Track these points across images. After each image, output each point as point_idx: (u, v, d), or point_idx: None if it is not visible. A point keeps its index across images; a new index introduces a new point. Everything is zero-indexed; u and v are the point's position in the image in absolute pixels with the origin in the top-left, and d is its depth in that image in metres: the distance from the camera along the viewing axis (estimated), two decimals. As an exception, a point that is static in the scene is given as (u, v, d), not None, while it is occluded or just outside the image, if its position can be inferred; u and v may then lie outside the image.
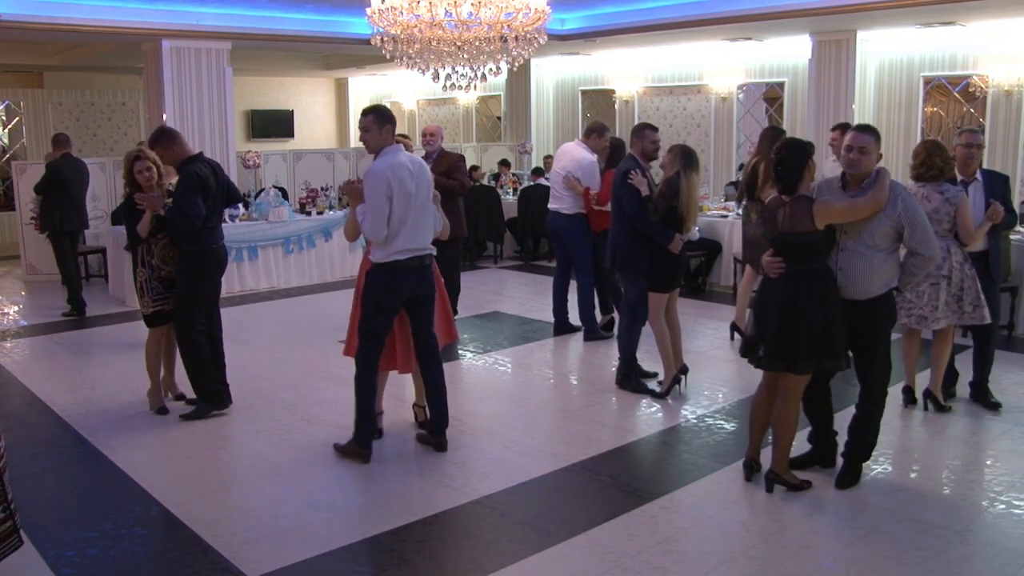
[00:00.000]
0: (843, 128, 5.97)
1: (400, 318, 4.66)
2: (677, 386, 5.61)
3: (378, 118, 4.43)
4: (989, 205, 5.08)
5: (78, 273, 8.62)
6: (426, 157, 7.24)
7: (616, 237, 5.63)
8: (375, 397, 4.67)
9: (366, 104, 19.63)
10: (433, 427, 4.74)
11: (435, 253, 4.67)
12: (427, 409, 4.85)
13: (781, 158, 3.95)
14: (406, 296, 4.51)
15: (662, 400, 5.51)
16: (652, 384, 5.75)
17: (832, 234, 3.96)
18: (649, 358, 6.03)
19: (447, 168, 7.11)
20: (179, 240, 5.15)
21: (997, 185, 5.21)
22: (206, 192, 5.07)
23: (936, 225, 4.86)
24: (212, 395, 5.28)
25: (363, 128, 4.45)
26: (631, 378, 5.73)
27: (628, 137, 5.89)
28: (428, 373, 4.70)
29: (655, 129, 5.70)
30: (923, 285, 4.97)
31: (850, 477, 4.23)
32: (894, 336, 4.32)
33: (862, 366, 4.14)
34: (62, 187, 8.32)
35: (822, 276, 3.94)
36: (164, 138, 5.20)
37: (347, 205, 4.67)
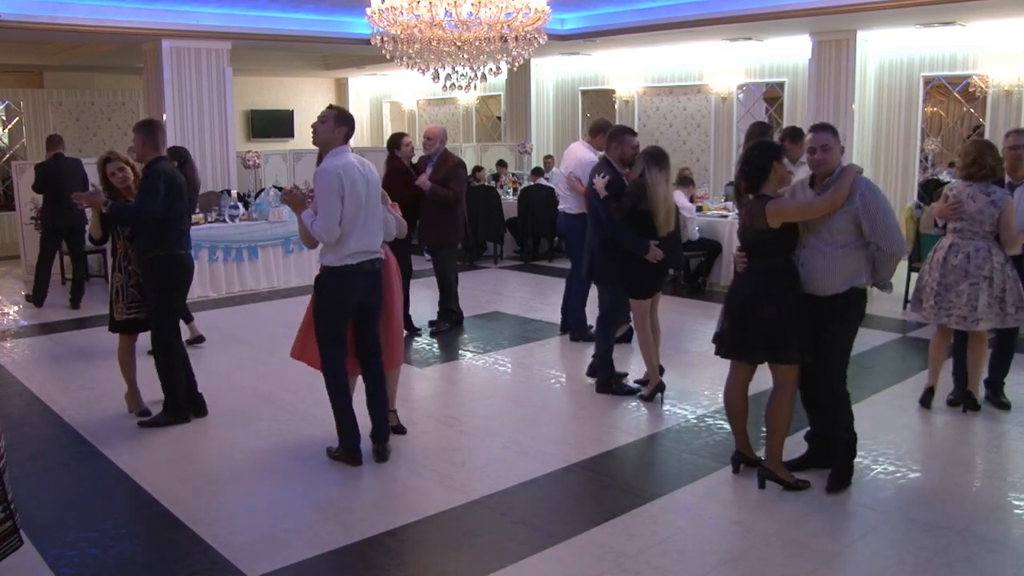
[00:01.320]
0: (792, 134, 5.95)
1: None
2: (660, 394, 5.53)
3: (337, 117, 4.40)
4: None
5: (49, 268, 8.71)
6: (426, 159, 7.23)
7: (590, 245, 5.59)
8: (350, 399, 4.55)
9: (366, 104, 19.74)
10: (375, 435, 4.59)
11: (383, 258, 4.55)
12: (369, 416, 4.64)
13: (747, 158, 4.13)
14: (359, 299, 4.41)
15: (648, 402, 5.45)
16: (630, 382, 5.72)
17: (794, 231, 4.00)
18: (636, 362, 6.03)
19: (444, 176, 6.99)
20: (141, 245, 5.00)
21: None
22: (173, 193, 4.98)
23: (978, 226, 4.86)
24: (179, 409, 5.15)
25: (320, 119, 4.40)
26: (610, 384, 5.65)
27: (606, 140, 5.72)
28: (369, 380, 4.58)
29: (634, 134, 5.61)
30: (962, 284, 4.89)
31: (835, 480, 4.14)
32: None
33: (822, 360, 4.07)
34: (51, 187, 8.42)
35: (781, 271, 4.01)
36: (149, 127, 5.08)
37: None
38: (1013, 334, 5.29)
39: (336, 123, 4.39)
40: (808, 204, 3.97)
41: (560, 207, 7.05)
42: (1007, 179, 5.15)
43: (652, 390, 5.48)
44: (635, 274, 5.36)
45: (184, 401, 5.18)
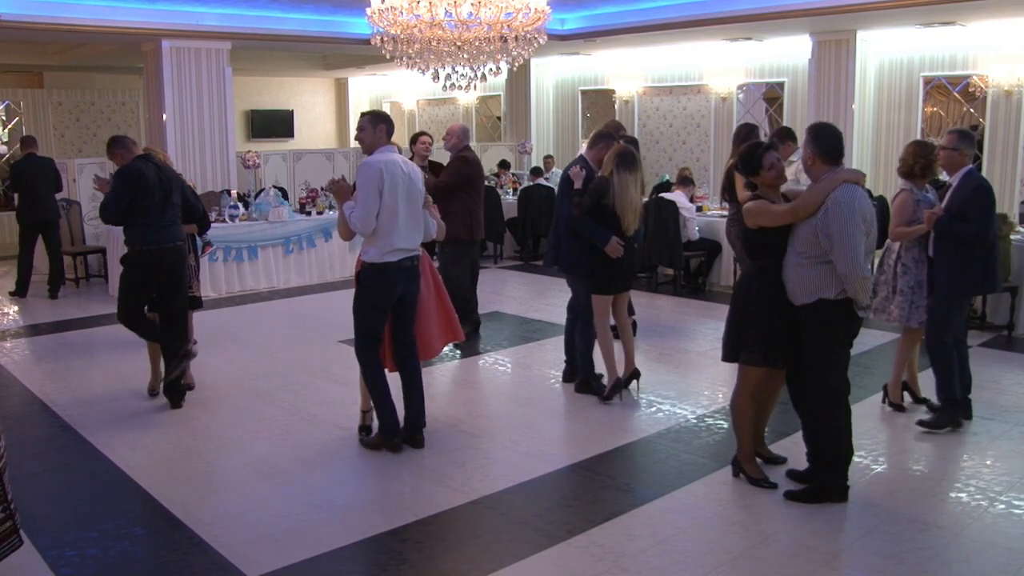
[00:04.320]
0: (782, 135, 5.99)
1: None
2: (627, 391, 5.51)
3: (373, 118, 4.64)
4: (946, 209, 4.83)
5: (30, 260, 9.12)
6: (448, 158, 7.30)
7: (558, 235, 5.60)
8: (388, 389, 4.69)
9: (366, 104, 19.76)
10: (409, 425, 4.78)
11: (420, 255, 4.72)
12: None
13: (740, 162, 4.20)
14: (398, 295, 4.58)
15: (609, 402, 5.44)
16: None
17: (776, 234, 3.97)
18: (642, 362, 6.03)
19: (444, 169, 7.09)
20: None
21: (958, 193, 4.84)
22: (140, 191, 5.16)
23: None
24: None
25: (359, 128, 4.64)
26: (590, 383, 5.64)
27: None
28: (405, 373, 4.77)
29: (609, 137, 5.60)
30: (913, 283, 4.96)
31: (799, 492, 4.06)
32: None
33: (804, 370, 4.04)
34: (25, 185, 8.89)
35: (770, 273, 4.01)
36: (114, 146, 5.43)
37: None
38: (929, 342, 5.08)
39: (373, 124, 4.59)
40: (770, 210, 3.95)
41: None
42: (947, 179, 5.05)
43: (611, 390, 5.46)
44: (599, 269, 5.35)
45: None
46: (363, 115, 4.69)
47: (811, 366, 3.97)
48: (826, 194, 3.81)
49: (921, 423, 4.99)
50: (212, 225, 8.87)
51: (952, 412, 4.95)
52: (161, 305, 5.44)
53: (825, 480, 4.05)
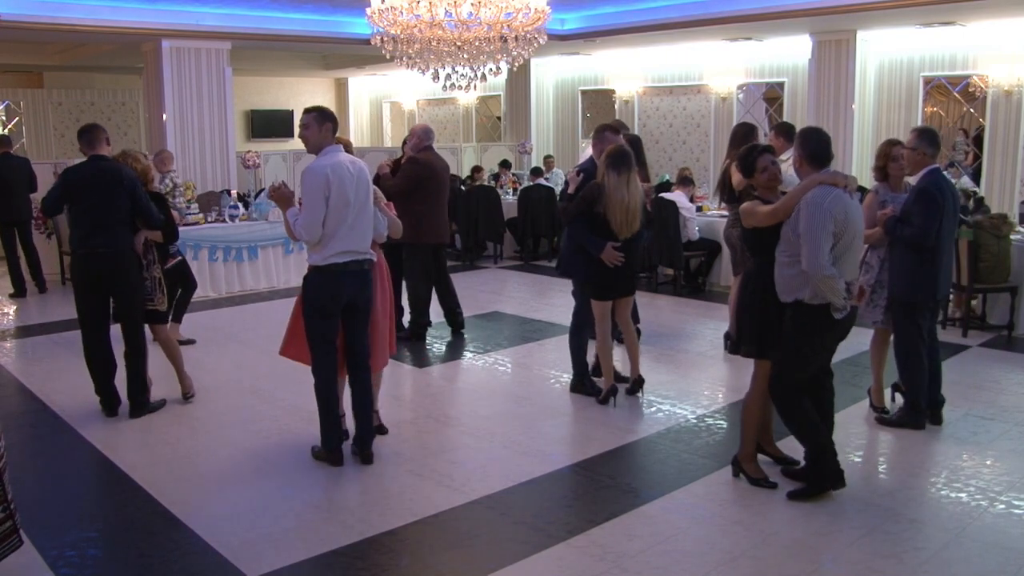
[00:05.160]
0: (780, 130, 6.03)
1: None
2: (634, 397, 5.51)
3: (319, 116, 4.35)
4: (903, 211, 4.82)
5: (15, 257, 9.27)
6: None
7: (564, 241, 5.61)
8: (336, 401, 4.55)
9: (366, 104, 19.72)
10: (358, 440, 4.58)
11: (374, 259, 4.51)
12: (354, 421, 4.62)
13: (738, 162, 4.31)
14: (346, 299, 4.37)
15: (605, 405, 5.41)
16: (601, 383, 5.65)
17: (770, 233, 4.00)
18: (644, 361, 6.03)
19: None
20: None
21: (910, 194, 4.84)
22: (72, 192, 5.17)
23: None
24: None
25: (303, 125, 4.36)
26: (584, 383, 5.63)
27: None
28: (355, 385, 4.55)
29: (617, 132, 5.57)
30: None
31: (803, 491, 4.08)
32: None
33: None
34: (1, 184, 9.04)
35: (766, 270, 4.05)
36: (79, 137, 5.37)
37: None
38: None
39: (319, 122, 4.34)
40: (757, 210, 4.02)
41: None
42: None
43: (606, 394, 5.44)
44: (595, 275, 5.31)
45: (99, 392, 5.37)
46: (307, 111, 4.40)
47: (779, 357, 4.02)
48: (802, 195, 3.87)
49: (879, 420, 5.06)
50: (212, 225, 9.04)
51: (912, 416, 4.96)
52: (116, 316, 5.31)
53: (817, 471, 4.06)
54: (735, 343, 4.33)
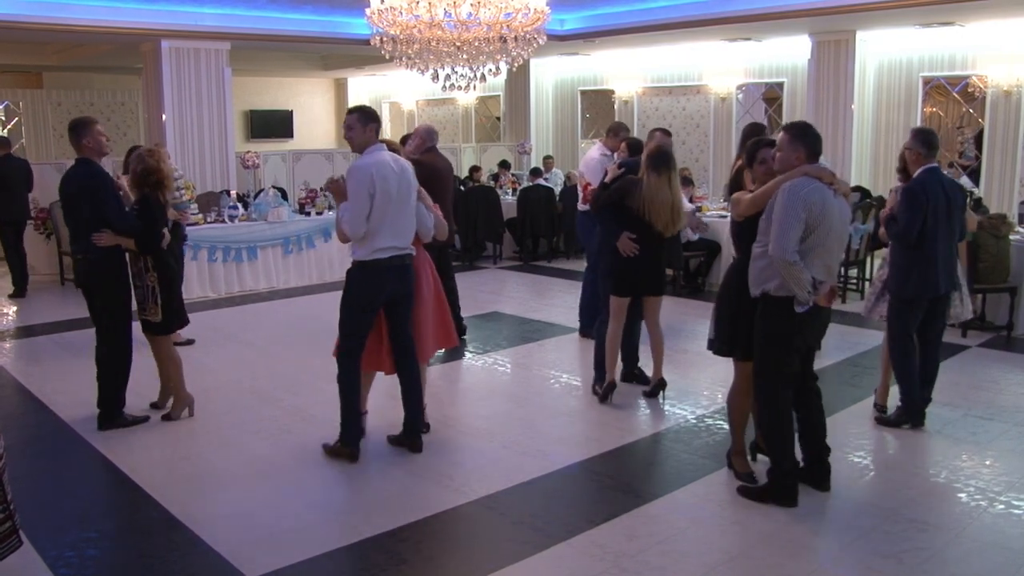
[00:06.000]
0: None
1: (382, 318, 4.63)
2: (655, 400, 5.52)
3: (362, 116, 4.44)
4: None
5: (17, 257, 9.31)
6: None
7: (599, 237, 5.66)
8: (359, 396, 4.65)
9: (365, 104, 19.68)
10: (408, 429, 4.71)
11: (414, 254, 4.59)
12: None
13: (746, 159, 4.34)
14: (387, 295, 4.49)
15: (604, 402, 5.44)
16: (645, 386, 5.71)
17: (754, 224, 4.01)
18: (644, 359, 6.02)
19: None
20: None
21: (901, 193, 4.86)
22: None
23: None
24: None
25: (347, 126, 4.46)
26: (633, 372, 5.72)
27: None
28: (404, 375, 4.67)
29: (627, 130, 5.76)
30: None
31: (753, 489, 4.09)
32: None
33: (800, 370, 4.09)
34: (1, 184, 9.08)
35: (744, 268, 4.08)
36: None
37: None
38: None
39: (363, 123, 4.43)
40: (741, 198, 4.09)
41: (579, 206, 7.06)
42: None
43: (605, 391, 5.45)
44: (618, 269, 5.32)
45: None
46: (351, 112, 4.50)
47: (756, 356, 4.02)
48: (774, 187, 3.88)
49: (878, 419, 5.08)
50: (212, 225, 9.03)
51: (908, 412, 4.99)
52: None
53: (774, 483, 4.01)
54: (711, 340, 4.35)
